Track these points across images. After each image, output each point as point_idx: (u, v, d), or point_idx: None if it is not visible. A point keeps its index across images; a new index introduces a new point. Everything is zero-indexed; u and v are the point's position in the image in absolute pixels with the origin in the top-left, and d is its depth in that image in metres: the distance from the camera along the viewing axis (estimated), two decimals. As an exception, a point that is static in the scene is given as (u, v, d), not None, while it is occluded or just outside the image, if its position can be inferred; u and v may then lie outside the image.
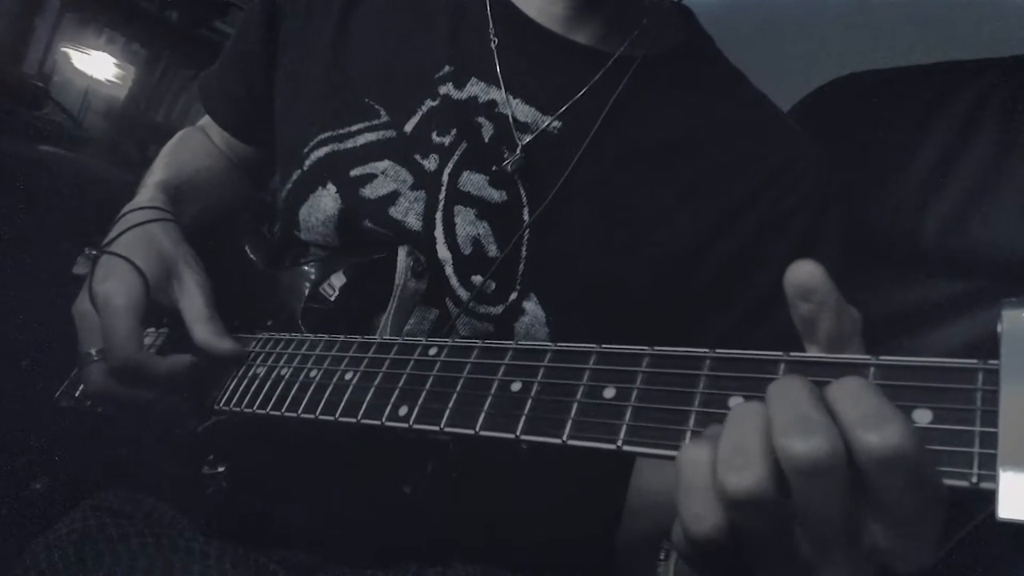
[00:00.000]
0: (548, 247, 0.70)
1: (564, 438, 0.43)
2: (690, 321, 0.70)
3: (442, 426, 0.48)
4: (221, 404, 0.66)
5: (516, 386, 0.46)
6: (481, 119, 0.73)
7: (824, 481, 0.32)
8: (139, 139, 2.37)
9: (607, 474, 0.71)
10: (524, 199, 0.71)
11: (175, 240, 0.74)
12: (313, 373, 0.60)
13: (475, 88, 0.74)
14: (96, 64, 2.34)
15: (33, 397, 0.85)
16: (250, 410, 0.63)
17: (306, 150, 0.77)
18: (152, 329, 0.77)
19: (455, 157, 0.72)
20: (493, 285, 0.70)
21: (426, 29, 0.78)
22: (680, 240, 0.70)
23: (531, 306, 0.70)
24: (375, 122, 0.75)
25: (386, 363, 0.55)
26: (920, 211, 0.85)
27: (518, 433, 0.44)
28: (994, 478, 0.31)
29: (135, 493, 0.76)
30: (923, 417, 0.34)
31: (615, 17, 0.74)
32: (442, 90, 0.74)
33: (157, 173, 0.84)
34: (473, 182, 0.71)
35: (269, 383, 0.63)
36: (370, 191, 0.73)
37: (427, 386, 0.51)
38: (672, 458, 0.37)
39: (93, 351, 0.68)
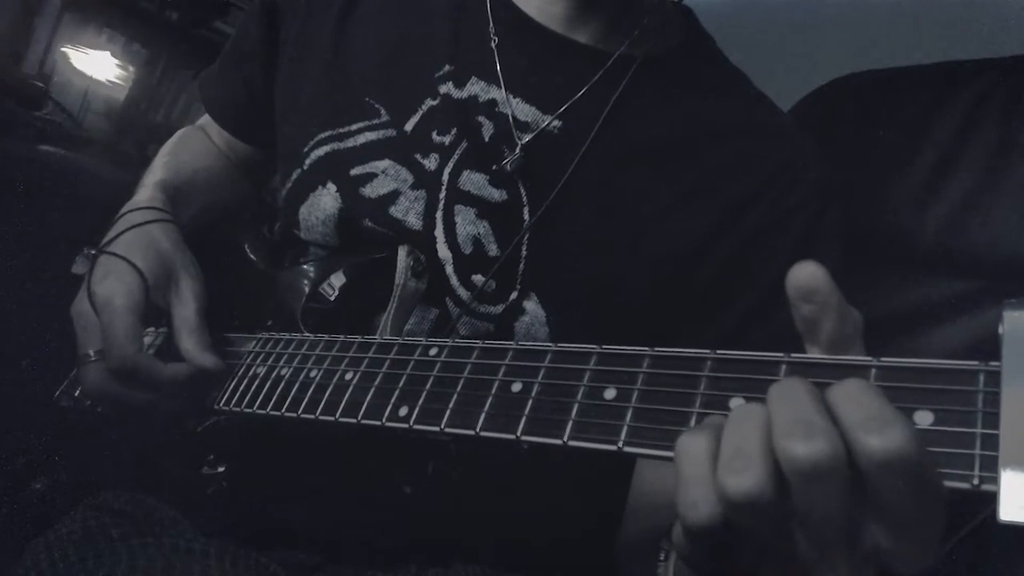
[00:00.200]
0: (548, 246, 0.70)
1: (565, 439, 0.43)
2: (690, 321, 0.70)
3: (442, 426, 0.48)
4: (221, 404, 0.66)
5: (517, 386, 0.46)
6: (481, 118, 0.73)
7: (825, 483, 0.32)
8: (139, 139, 2.37)
9: (607, 475, 0.71)
10: (524, 198, 0.71)
11: (174, 241, 0.74)
12: (313, 373, 0.60)
13: (475, 87, 0.74)
14: (96, 64, 2.34)
15: (33, 397, 0.85)
16: (250, 410, 0.63)
17: (306, 149, 0.77)
18: (151, 328, 0.77)
19: (455, 156, 0.72)
20: (493, 284, 0.70)
21: (426, 28, 0.78)
22: (680, 240, 0.70)
23: (531, 305, 0.70)
24: (375, 121, 0.75)
25: (386, 363, 0.55)
26: (920, 211, 0.85)
27: (519, 434, 0.44)
28: (995, 480, 0.31)
29: (135, 493, 0.76)
30: (924, 419, 0.34)
31: (615, 17, 0.74)
32: (442, 89, 0.74)
33: (156, 173, 0.84)
34: (473, 181, 0.71)
35: (269, 383, 0.63)
36: (370, 190, 0.73)
37: (427, 386, 0.51)
38: (672, 459, 0.37)
39: (91, 351, 0.68)
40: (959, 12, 1.14)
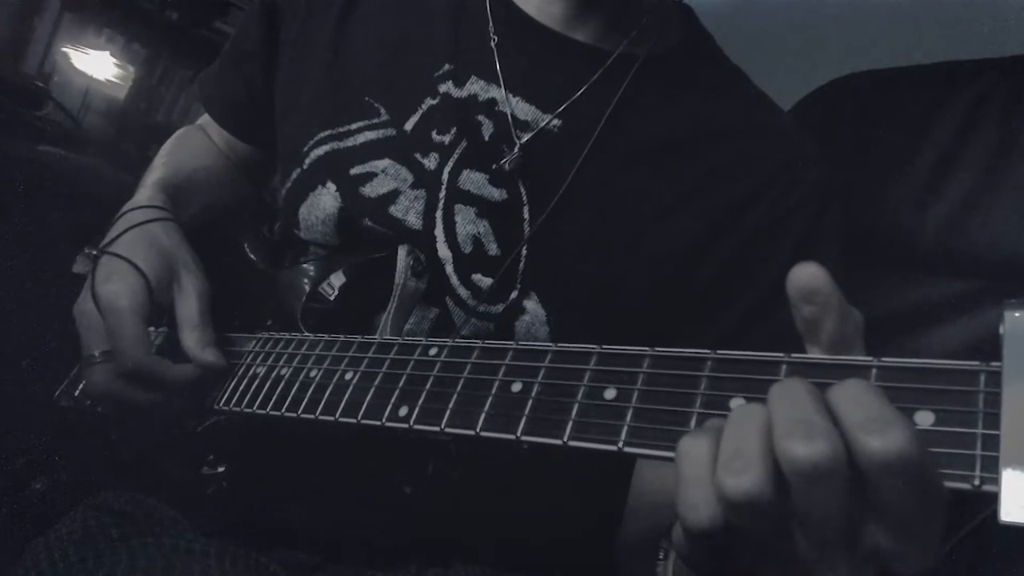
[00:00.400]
0: (548, 246, 0.70)
1: (565, 439, 0.43)
2: (691, 321, 0.70)
3: (442, 426, 0.48)
4: (221, 404, 0.66)
5: (517, 386, 0.46)
6: (481, 117, 0.73)
7: (825, 484, 0.32)
8: (139, 139, 2.37)
9: (607, 475, 0.71)
10: (524, 197, 0.71)
11: (176, 240, 0.74)
12: (313, 373, 0.60)
13: (475, 86, 0.74)
14: (96, 64, 2.34)
15: (33, 397, 0.85)
16: (250, 410, 0.63)
17: (306, 149, 0.77)
18: (152, 328, 0.76)
19: (455, 155, 0.72)
20: (492, 283, 0.70)
21: (426, 27, 0.78)
22: (680, 239, 0.70)
23: (531, 305, 0.70)
24: (375, 121, 0.75)
25: (386, 363, 0.55)
26: (920, 211, 0.85)
27: (519, 434, 0.44)
28: (996, 481, 0.31)
29: (135, 493, 0.76)
30: (925, 419, 0.34)
31: (615, 16, 0.74)
32: (442, 88, 0.74)
33: (156, 172, 0.84)
34: (473, 181, 0.71)
35: (269, 383, 0.63)
36: (370, 190, 0.73)
37: (427, 386, 0.51)
38: (673, 459, 0.37)
39: (96, 352, 0.68)
40: (959, 12, 1.14)
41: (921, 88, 0.92)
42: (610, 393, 0.43)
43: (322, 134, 0.76)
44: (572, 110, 0.72)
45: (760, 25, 1.39)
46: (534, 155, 0.71)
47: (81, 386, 0.79)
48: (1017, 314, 0.33)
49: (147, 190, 0.80)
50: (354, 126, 0.75)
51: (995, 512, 0.30)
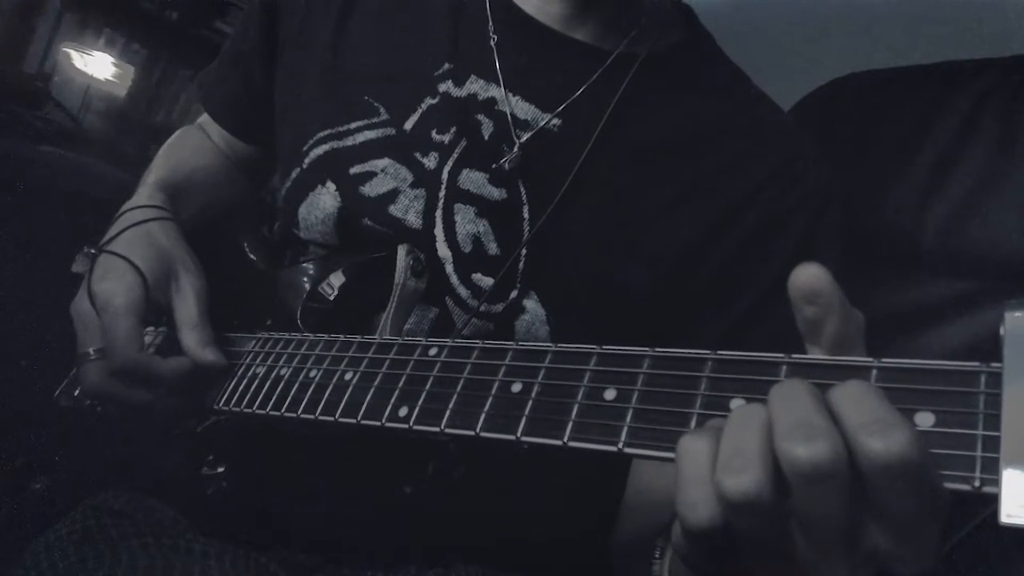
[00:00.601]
0: (548, 245, 0.70)
1: (565, 440, 0.42)
2: (690, 320, 0.70)
3: (442, 427, 0.48)
4: (220, 404, 0.66)
5: (517, 387, 0.46)
6: (480, 117, 0.73)
7: (825, 485, 0.32)
8: (139, 139, 2.37)
9: (608, 474, 0.71)
10: (524, 197, 0.71)
11: (174, 239, 0.74)
12: (313, 373, 0.60)
13: (474, 86, 0.74)
14: (96, 64, 2.34)
15: (33, 397, 0.85)
16: (249, 410, 0.63)
17: (305, 148, 0.77)
18: (151, 328, 0.77)
19: (455, 155, 0.72)
20: (492, 283, 0.70)
21: (425, 27, 0.78)
22: (680, 239, 0.70)
23: (531, 304, 0.70)
24: (375, 120, 0.75)
25: (386, 363, 0.55)
26: (920, 211, 0.85)
27: (519, 434, 0.44)
28: (996, 482, 0.31)
29: (135, 493, 0.76)
30: (925, 420, 0.34)
31: (614, 15, 0.74)
32: (441, 88, 0.74)
33: (156, 171, 0.84)
34: (473, 180, 0.71)
35: (268, 383, 0.63)
36: (369, 189, 0.73)
37: (427, 387, 0.51)
38: (673, 460, 0.37)
39: (91, 350, 0.68)
40: (959, 12, 1.13)
41: (921, 88, 0.92)
42: (610, 394, 0.43)
43: (321, 133, 0.76)
44: (572, 109, 0.72)
45: (760, 25, 1.39)
46: (534, 154, 0.71)
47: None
48: (1017, 314, 0.33)
49: (146, 189, 0.80)
50: (353, 125, 0.75)
51: (995, 513, 0.30)
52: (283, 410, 0.59)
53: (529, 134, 0.71)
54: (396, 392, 0.52)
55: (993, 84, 0.87)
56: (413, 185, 0.72)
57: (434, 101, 0.74)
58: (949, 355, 0.35)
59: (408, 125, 0.74)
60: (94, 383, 0.69)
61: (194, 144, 0.93)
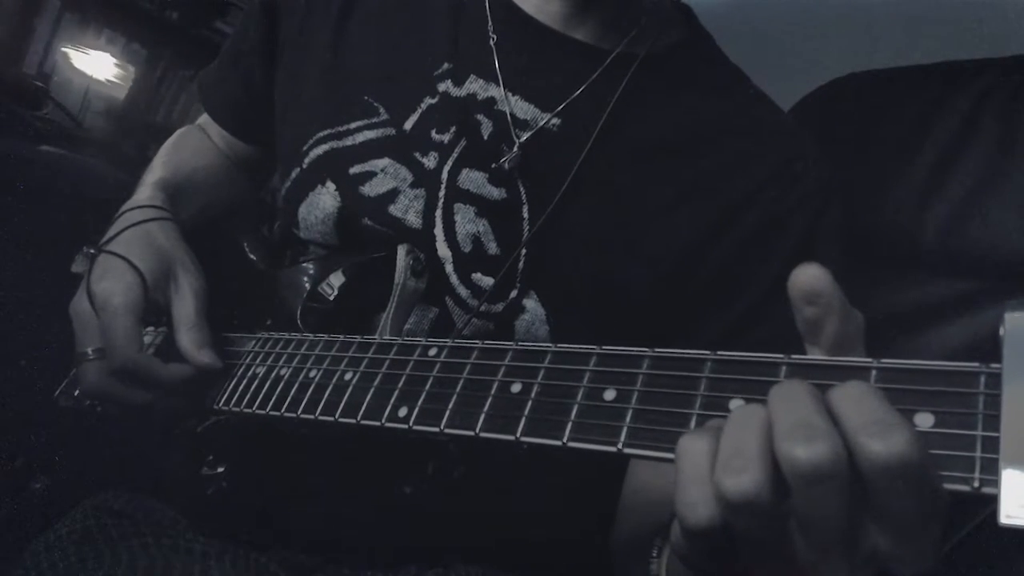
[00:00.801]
0: (548, 245, 0.70)
1: (564, 440, 0.42)
2: (690, 320, 0.70)
3: (442, 427, 0.48)
4: (220, 404, 0.66)
5: (516, 387, 0.46)
6: (480, 116, 0.73)
7: (825, 486, 0.32)
8: (139, 139, 2.37)
9: (608, 474, 0.71)
10: (523, 196, 0.71)
11: (174, 239, 0.74)
12: (312, 373, 0.60)
13: (474, 85, 0.74)
14: (96, 64, 2.34)
15: (33, 397, 0.85)
16: (249, 410, 0.63)
17: (305, 148, 0.77)
18: (151, 328, 0.77)
19: (454, 155, 0.72)
20: (492, 283, 0.70)
21: (425, 27, 0.78)
22: (679, 239, 0.70)
23: (531, 304, 0.70)
24: (374, 120, 0.75)
25: (386, 363, 0.55)
26: (920, 211, 0.85)
27: (518, 435, 0.44)
28: (996, 483, 0.31)
29: (135, 493, 0.76)
30: (925, 421, 0.34)
31: (614, 15, 0.74)
32: (441, 87, 0.74)
33: (156, 171, 0.84)
34: (472, 180, 0.71)
35: (268, 383, 0.63)
36: (369, 189, 0.73)
37: (427, 387, 0.51)
38: (673, 460, 0.37)
39: (90, 350, 0.68)
40: (959, 12, 1.13)
41: (921, 88, 0.92)
42: (610, 394, 0.43)
43: (321, 133, 0.76)
44: (571, 109, 0.72)
45: (760, 25, 1.39)
46: (533, 154, 0.71)
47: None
48: (1017, 314, 0.33)
49: (146, 189, 0.80)
50: (353, 125, 0.75)
51: (995, 513, 0.30)
52: (283, 410, 0.59)
53: (529, 134, 0.71)
54: (396, 392, 0.52)
55: (993, 84, 0.87)
56: (413, 185, 0.72)
57: (434, 101, 0.74)
58: (949, 355, 0.35)
59: (408, 125, 0.74)
60: (93, 383, 0.69)
61: (194, 144, 0.93)
